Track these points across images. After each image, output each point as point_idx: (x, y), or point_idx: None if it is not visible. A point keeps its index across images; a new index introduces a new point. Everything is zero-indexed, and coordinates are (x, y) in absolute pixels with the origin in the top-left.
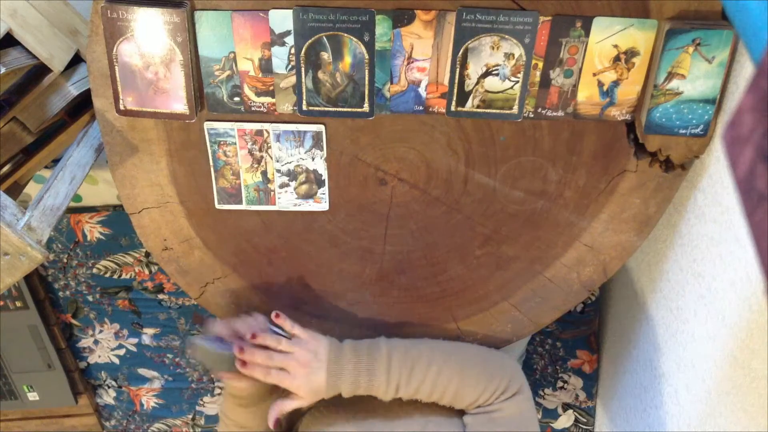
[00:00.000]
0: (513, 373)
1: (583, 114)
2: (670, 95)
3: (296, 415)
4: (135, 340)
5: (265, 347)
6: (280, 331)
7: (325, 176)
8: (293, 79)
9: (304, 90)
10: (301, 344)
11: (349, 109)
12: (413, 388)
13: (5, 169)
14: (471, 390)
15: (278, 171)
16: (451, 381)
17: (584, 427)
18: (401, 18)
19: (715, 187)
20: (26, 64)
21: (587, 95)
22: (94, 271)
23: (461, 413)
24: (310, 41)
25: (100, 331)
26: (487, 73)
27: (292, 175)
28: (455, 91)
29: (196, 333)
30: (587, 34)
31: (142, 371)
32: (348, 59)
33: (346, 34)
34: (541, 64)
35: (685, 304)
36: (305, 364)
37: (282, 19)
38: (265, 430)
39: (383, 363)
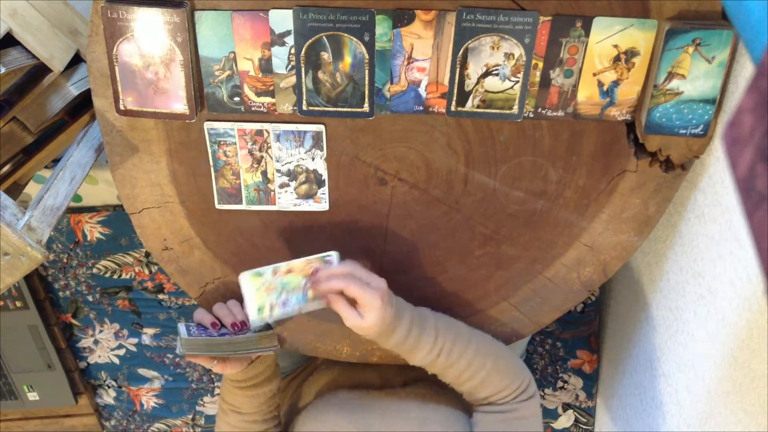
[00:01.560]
0: (531, 378)
1: (583, 114)
2: (670, 95)
3: (294, 413)
4: (135, 340)
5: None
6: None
7: (325, 176)
8: (293, 79)
9: (304, 90)
10: (378, 279)
11: (349, 109)
12: (451, 361)
13: (5, 169)
14: (497, 380)
15: (278, 171)
16: (485, 365)
17: (584, 427)
18: (401, 18)
19: (715, 187)
20: (26, 64)
21: (587, 95)
22: (94, 271)
23: (467, 411)
24: (310, 41)
25: (100, 331)
26: (487, 73)
27: (292, 175)
28: (455, 91)
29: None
30: (587, 34)
31: (142, 371)
32: (348, 59)
33: (346, 34)
34: (541, 64)
35: (685, 304)
36: (383, 298)
37: (282, 19)
38: (261, 415)
39: (432, 324)
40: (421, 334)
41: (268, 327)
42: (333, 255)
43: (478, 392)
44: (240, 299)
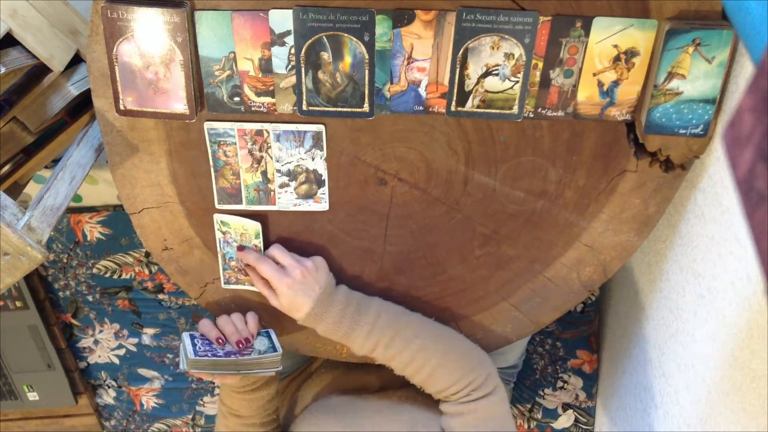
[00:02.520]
0: (490, 372)
1: (583, 114)
2: (670, 95)
3: (292, 416)
4: (135, 340)
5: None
6: (273, 338)
7: (325, 176)
8: (293, 79)
9: (304, 90)
10: (295, 268)
11: (349, 109)
12: (390, 355)
13: (5, 169)
14: (446, 376)
15: (278, 171)
16: (429, 361)
17: (584, 427)
18: (401, 18)
19: (715, 187)
20: (26, 64)
21: (587, 95)
22: (94, 271)
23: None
24: (310, 41)
25: (100, 331)
26: (487, 73)
27: (292, 175)
28: (455, 91)
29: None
30: (587, 34)
31: (142, 371)
32: (348, 59)
33: (346, 34)
34: (541, 64)
35: (685, 304)
36: (290, 287)
37: (282, 19)
38: (260, 418)
39: (370, 318)
40: (354, 325)
41: (273, 349)
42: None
43: (427, 386)
44: (242, 309)
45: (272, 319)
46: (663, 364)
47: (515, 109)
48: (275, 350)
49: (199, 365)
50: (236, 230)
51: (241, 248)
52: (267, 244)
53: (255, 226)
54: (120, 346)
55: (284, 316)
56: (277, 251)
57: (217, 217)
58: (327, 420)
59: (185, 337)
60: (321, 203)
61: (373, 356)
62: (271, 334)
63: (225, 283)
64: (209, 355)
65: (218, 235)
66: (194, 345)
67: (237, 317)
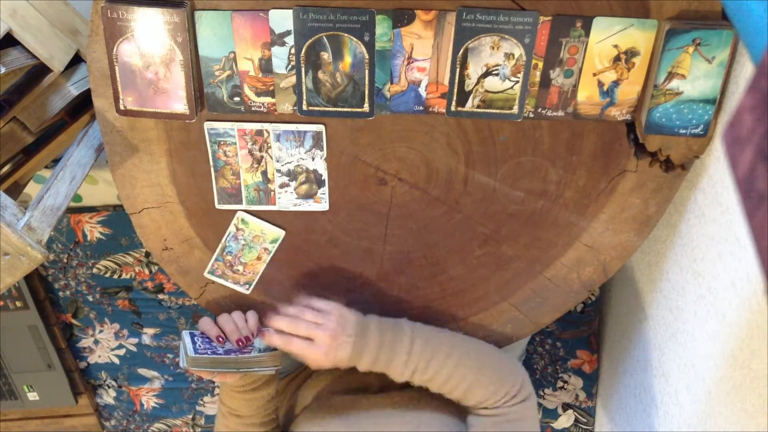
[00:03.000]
0: (524, 380)
1: (583, 114)
2: (670, 95)
3: (292, 416)
4: (135, 340)
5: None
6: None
7: (325, 176)
8: (293, 79)
9: (304, 90)
10: (328, 317)
11: (349, 109)
12: (428, 376)
13: (5, 169)
14: (483, 389)
15: (278, 171)
16: (465, 377)
17: (584, 427)
18: (401, 18)
19: (715, 187)
20: (26, 64)
21: (587, 95)
22: (94, 271)
23: (462, 413)
24: (310, 41)
25: (100, 331)
26: (487, 73)
27: (292, 175)
28: (455, 91)
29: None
30: (587, 34)
31: (142, 371)
32: (348, 59)
33: (346, 34)
34: (541, 64)
35: (685, 304)
36: (334, 337)
37: (282, 19)
38: (260, 417)
39: (406, 345)
40: (393, 355)
41: (273, 347)
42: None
43: (464, 401)
44: (242, 308)
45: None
46: (663, 364)
47: (515, 109)
48: (275, 348)
49: (198, 363)
50: (252, 231)
51: (261, 333)
52: None
53: (276, 233)
54: (120, 346)
55: None
56: (297, 310)
57: (239, 214)
58: (330, 420)
59: (185, 335)
60: (321, 203)
61: (412, 380)
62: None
63: (209, 272)
64: (209, 353)
65: (231, 228)
66: (194, 343)
67: (237, 315)
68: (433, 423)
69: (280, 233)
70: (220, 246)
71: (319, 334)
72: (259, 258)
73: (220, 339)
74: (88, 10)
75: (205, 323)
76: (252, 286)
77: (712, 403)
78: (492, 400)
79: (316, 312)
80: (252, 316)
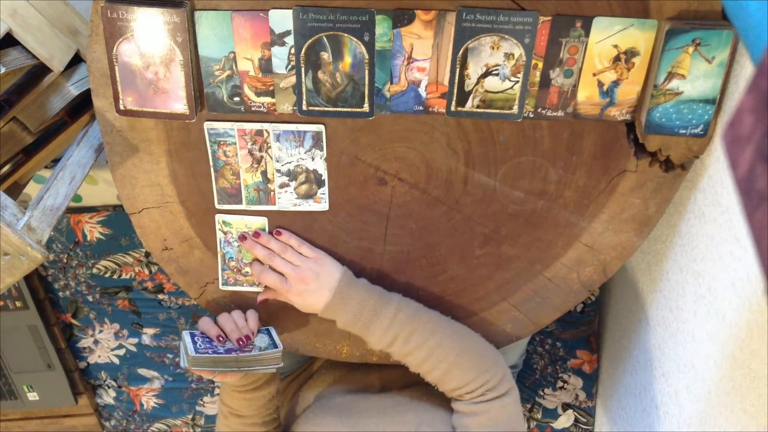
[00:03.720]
0: (505, 373)
1: (583, 114)
2: (670, 95)
3: (293, 416)
4: (135, 340)
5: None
6: (273, 335)
7: (325, 176)
8: (293, 79)
9: (304, 90)
10: (307, 261)
11: (349, 109)
12: (407, 350)
13: (5, 169)
14: (461, 374)
15: (278, 171)
16: (446, 358)
17: (584, 427)
18: (401, 18)
19: (715, 187)
20: (26, 64)
21: (587, 95)
22: (94, 271)
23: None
24: (310, 41)
25: (100, 331)
26: (487, 73)
27: (292, 175)
28: (455, 91)
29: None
30: (587, 34)
31: (142, 371)
32: (348, 59)
33: (346, 34)
34: (541, 64)
35: (685, 304)
36: (304, 280)
37: (282, 19)
38: (261, 417)
39: (390, 311)
40: (374, 317)
41: (274, 345)
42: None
43: (441, 384)
44: (242, 308)
45: (272, 317)
46: (663, 364)
47: (515, 109)
48: (276, 347)
49: (199, 362)
50: (238, 229)
51: (243, 237)
52: None
53: (260, 222)
54: (120, 346)
55: (284, 315)
56: (287, 239)
57: (218, 217)
58: (331, 420)
59: (185, 335)
60: (321, 203)
61: (391, 351)
62: (271, 331)
63: (223, 284)
64: (210, 352)
65: (219, 235)
66: (194, 343)
67: (237, 315)
68: (434, 423)
69: (263, 220)
70: (219, 255)
71: (289, 272)
72: None
73: (221, 338)
74: (88, 10)
75: (205, 323)
76: None
77: (712, 403)
78: (470, 387)
79: (299, 254)
80: (252, 315)
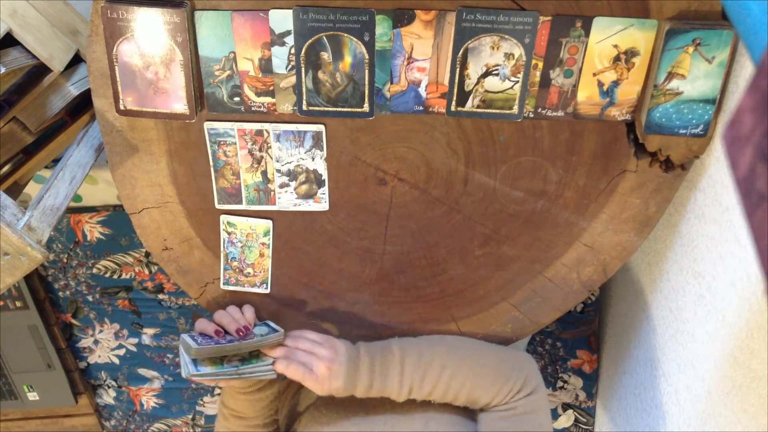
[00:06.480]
0: (529, 372)
1: (583, 114)
2: (670, 95)
3: (294, 414)
4: (135, 340)
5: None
6: (272, 325)
7: (325, 176)
8: (293, 79)
9: (304, 90)
10: (321, 347)
11: (349, 109)
12: (426, 392)
13: (5, 169)
14: (485, 392)
15: (278, 171)
16: (464, 385)
17: (584, 427)
18: (401, 18)
19: (715, 187)
20: (26, 64)
21: (587, 95)
22: (94, 271)
23: (471, 412)
24: (310, 41)
25: (100, 331)
26: (487, 73)
27: (292, 175)
28: (455, 91)
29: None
30: (587, 34)
31: (142, 371)
32: (348, 59)
33: (346, 34)
34: (541, 64)
35: (685, 304)
36: (329, 366)
37: (282, 19)
38: (263, 419)
39: (396, 368)
40: (385, 379)
41: (273, 330)
42: (281, 333)
43: (472, 405)
44: (238, 303)
45: (272, 318)
46: (663, 364)
47: (515, 109)
48: (277, 330)
49: (203, 353)
50: (242, 230)
51: (218, 332)
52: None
53: (264, 225)
54: (120, 346)
55: (283, 316)
56: (294, 340)
57: (223, 218)
58: (337, 417)
59: (185, 337)
60: (321, 203)
61: (412, 397)
62: (269, 323)
63: (224, 284)
64: (212, 344)
65: (223, 235)
66: (195, 341)
67: (233, 309)
68: (441, 422)
69: (268, 223)
70: (222, 255)
71: (314, 362)
72: (261, 255)
73: (219, 333)
74: (88, 10)
75: (202, 323)
76: (269, 285)
77: (712, 403)
78: (498, 398)
79: (311, 341)
80: (248, 308)
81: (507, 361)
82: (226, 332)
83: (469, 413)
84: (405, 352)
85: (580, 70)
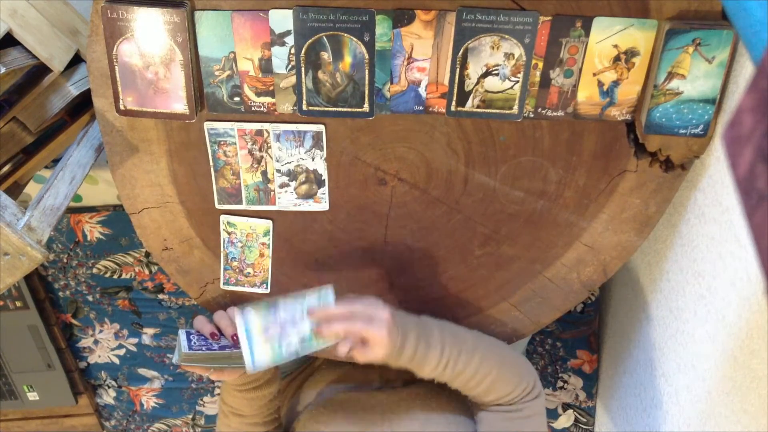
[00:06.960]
0: (536, 377)
1: (583, 114)
2: (670, 95)
3: (294, 414)
4: (135, 340)
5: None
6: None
7: (325, 176)
8: (293, 79)
9: (304, 90)
10: (374, 305)
11: (349, 109)
12: (459, 370)
13: (5, 169)
14: (504, 385)
15: (278, 171)
16: (490, 372)
17: (584, 427)
18: (401, 18)
19: (715, 187)
20: (26, 64)
21: (587, 95)
22: (94, 271)
23: (469, 411)
24: (310, 41)
25: (100, 331)
26: (487, 73)
27: (292, 175)
28: (455, 91)
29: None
30: (587, 34)
31: (142, 371)
32: (348, 59)
33: (346, 34)
34: (541, 64)
35: (685, 304)
36: (389, 329)
37: (282, 19)
38: (262, 417)
39: (438, 337)
40: (428, 349)
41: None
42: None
43: (484, 397)
44: (238, 303)
45: None
46: (663, 364)
47: (515, 109)
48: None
49: (191, 359)
50: (243, 230)
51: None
52: (271, 244)
53: (264, 225)
54: (120, 346)
55: None
56: (348, 306)
57: (223, 218)
58: (336, 417)
59: (181, 333)
60: (321, 203)
61: (443, 375)
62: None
63: (224, 284)
64: (203, 349)
65: (223, 235)
66: (189, 341)
67: (232, 311)
68: (440, 421)
69: (268, 223)
70: (222, 255)
71: (374, 330)
72: (261, 255)
73: (215, 335)
74: (88, 10)
75: (200, 321)
76: (269, 285)
77: (712, 403)
78: (510, 396)
79: (364, 304)
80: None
81: (520, 361)
82: (223, 333)
83: (468, 413)
84: (441, 326)
85: (580, 70)
